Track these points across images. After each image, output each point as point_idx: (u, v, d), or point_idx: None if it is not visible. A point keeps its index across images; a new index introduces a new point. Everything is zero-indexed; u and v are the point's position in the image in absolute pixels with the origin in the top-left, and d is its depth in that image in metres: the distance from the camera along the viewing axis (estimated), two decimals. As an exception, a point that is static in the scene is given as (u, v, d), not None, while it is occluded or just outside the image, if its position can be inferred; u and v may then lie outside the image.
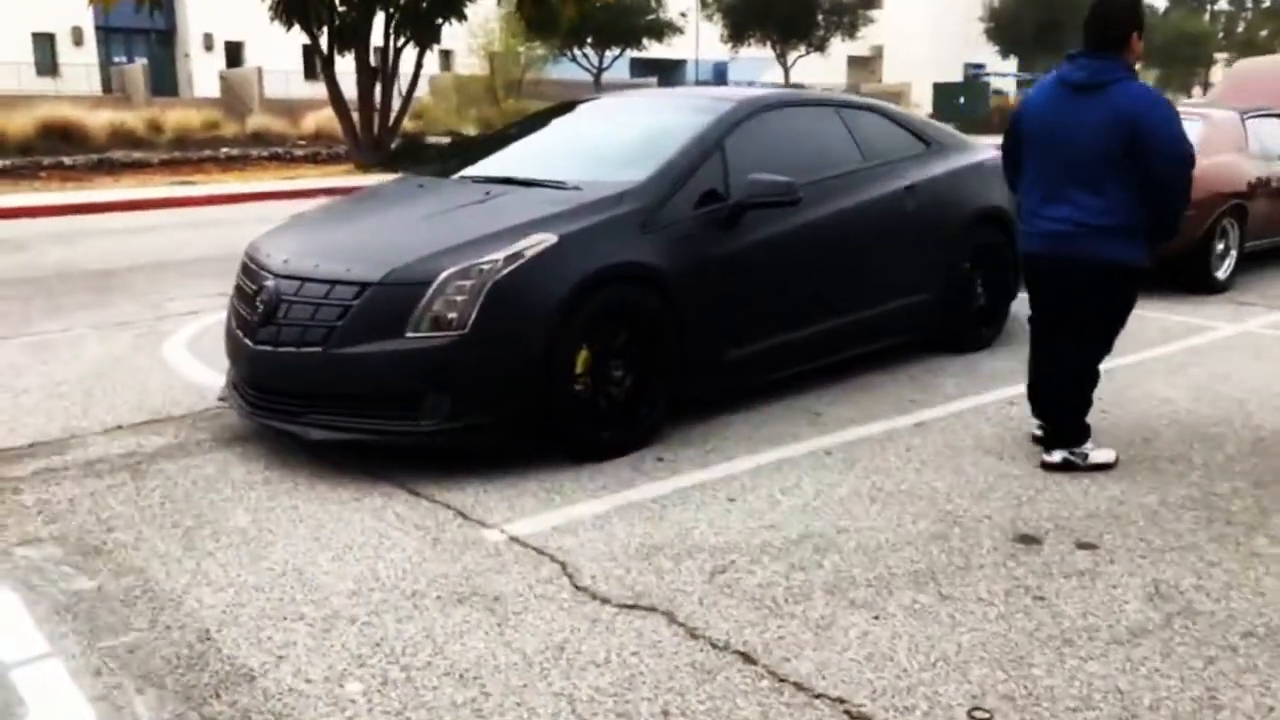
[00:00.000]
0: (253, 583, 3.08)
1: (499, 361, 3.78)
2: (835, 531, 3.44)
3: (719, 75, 48.61)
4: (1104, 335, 4.02)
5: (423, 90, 23.06)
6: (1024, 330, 6.34)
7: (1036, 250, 3.99)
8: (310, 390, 3.87)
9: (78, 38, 36.03)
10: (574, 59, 34.89)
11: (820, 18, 38.93)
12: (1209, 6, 68.81)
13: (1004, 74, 51.58)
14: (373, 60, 19.60)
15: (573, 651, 2.70)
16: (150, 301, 7.29)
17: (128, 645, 2.73)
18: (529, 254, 3.85)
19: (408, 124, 22.01)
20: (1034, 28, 45.03)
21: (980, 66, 53.56)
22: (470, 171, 4.96)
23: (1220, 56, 61.05)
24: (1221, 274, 7.58)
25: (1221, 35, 63.50)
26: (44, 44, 35.63)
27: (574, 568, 3.17)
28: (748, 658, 2.67)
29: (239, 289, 4.32)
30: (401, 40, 19.52)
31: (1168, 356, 5.69)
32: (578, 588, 3.05)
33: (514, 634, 2.79)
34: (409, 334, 3.74)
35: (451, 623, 2.85)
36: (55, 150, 19.19)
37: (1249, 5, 68.77)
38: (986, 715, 2.42)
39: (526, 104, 29.87)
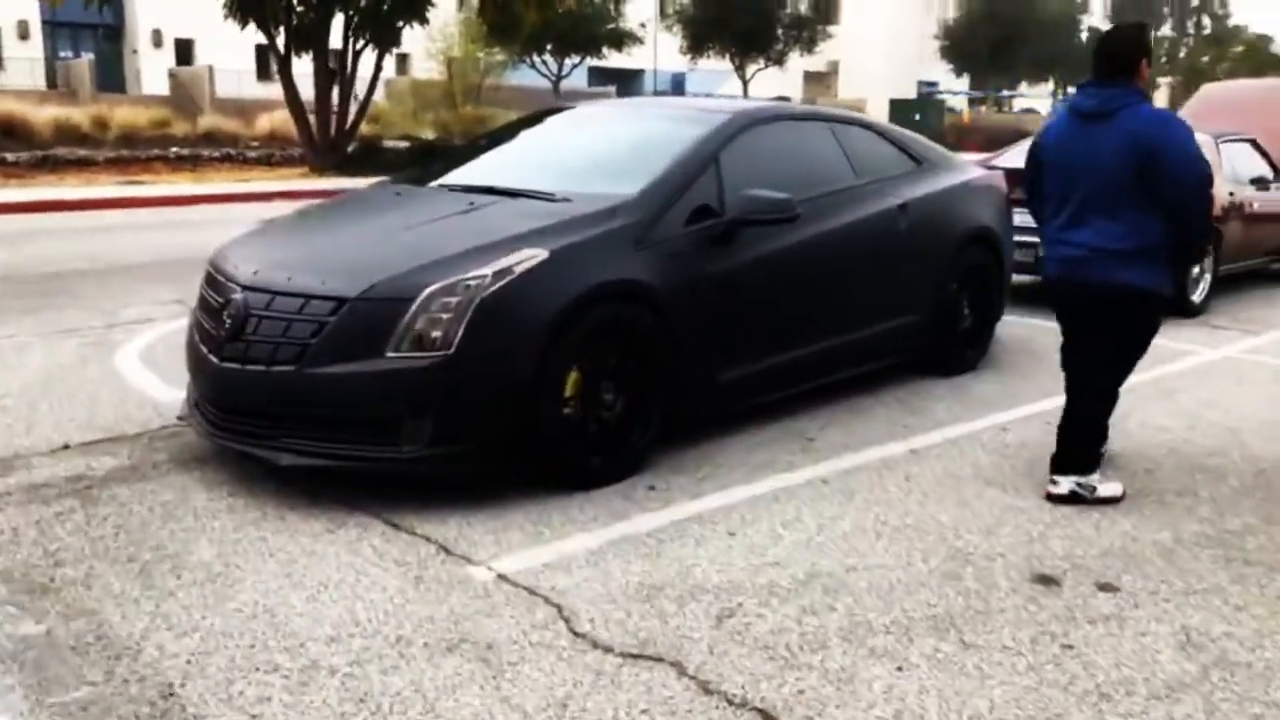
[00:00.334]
0: (220, 627, 2.81)
1: (485, 384, 3.55)
2: (844, 570, 3.25)
3: (676, 86, 48.63)
4: (1124, 361, 3.93)
5: (378, 94, 22.63)
6: (1008, 352, 6.29)
7: (1056, 275, 3.93)
8: (281, 412, 3.60)
9: (23, 31, 34.95)
10: (533, 66, 34.60)
11: (779, 32, 39.07)
12: (1153, 33, 70.39)
13: (956, 92, 52.25)
14: (330, 62, 19.18)
15: (577, 709, 2.48)
16: (100, 308, 6.92)
17: (80, 702, 2.45)
18: (519, 270, 3.62)
19: (365, 128, 21.60)
20: (987, 47, 45.64)
21: (934, 84, 54.20)
22: (451, 179, 4.72)
23: (1163, 81, 62.43)
24: (1197, 297, 7.56)
25: (1165, 60, 64.91)
26: (-13, 37, 34.55)
27: (570, 611, 2.94)
28: (768, 715, 2.46)
29: (203, 300, 4.03)
30: (360, 42, 19.13)
31: (1154, 382, 5.60)
32: (576, 634, 2.82)
33: (511, 688, 2.56)
34: (390, 353, 3.49)
35: (442, 675, 2.61)
36: (-4, 145, 18.51)
37: (1190, 32, 70.51)
38: (1031, 783, 2.24)
39: (485, 110, 29.56)
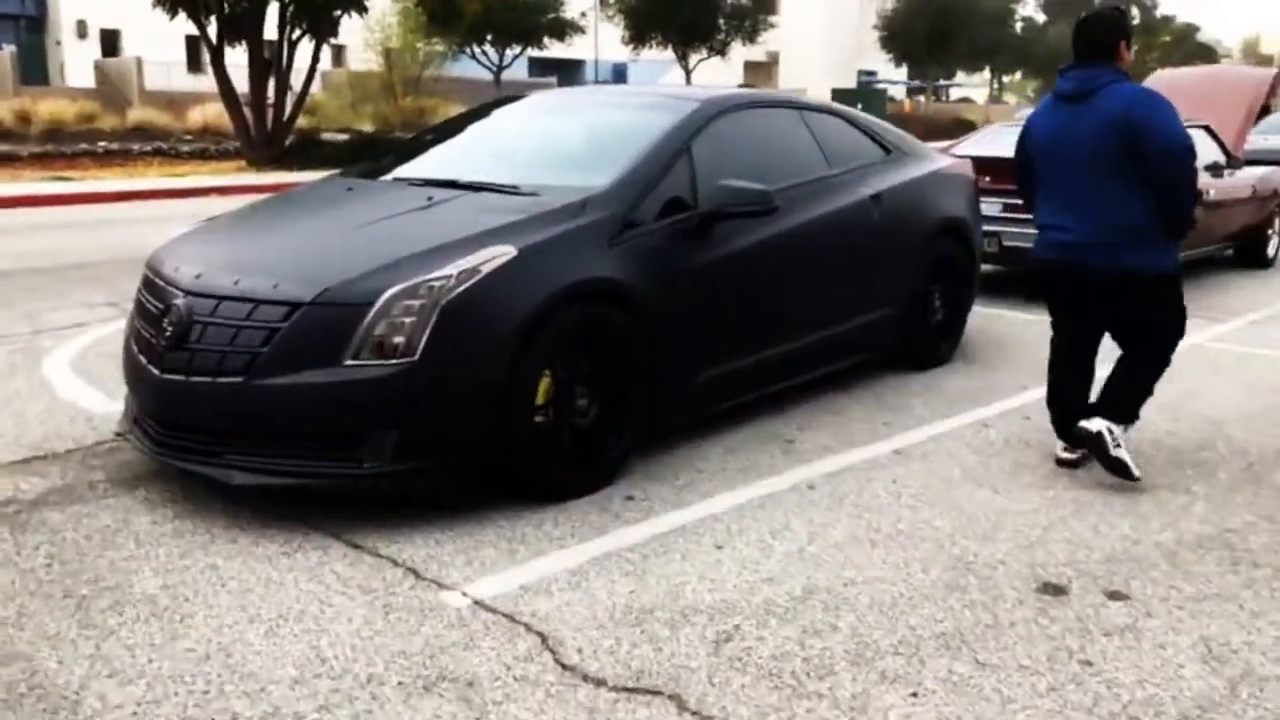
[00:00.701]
0: (169, 670, 2.54)
1: (452, 392, 3.30)
2: (842, 584, 3.06)
3: (618, 76, 48.33)
4: (1163, 334, 3.91)
5: (315, 86, 22.03)
6: (978, 343, 6.18)
7: (1052, 259, 3.91)
8: (230, 427, 3.31)
9: (-63, 22, 33.54)
10: (474, 57, 34.03)
11: (721, 21, 38.92)
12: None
13: (895, 82, 52.64)
14: (265, 53, 18.59)
15: (573, 754, 2.25)
16: (26, 312, 6.50)
17: (11, 767, 2.17)
18: (485, 269, 3.37)
19: (301, 120, 21.01)
20: (925, 37, 45.98)
21: (872, 74, 54.55)
22: (407, 172, 4.44)
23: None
24: (1158, 285, 7.53)
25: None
26: (-100, 28, 33.08)
27: (556, 640, 2.71)
28: (781, 754, 2.27)
29: (140, 306, 3.72)
30: (296, 33, 18.57)
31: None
32: (564, 666, 2.60)
33: (499, 732, 2.33)
34: (348, 362, 3.22)
35: (421, 719, 2.36)
36: (-89, 141, 17.65)
37: (1121, 22, 71.78)
38: (1072, 821, 2.07)
39: (426, 102, 29.02)
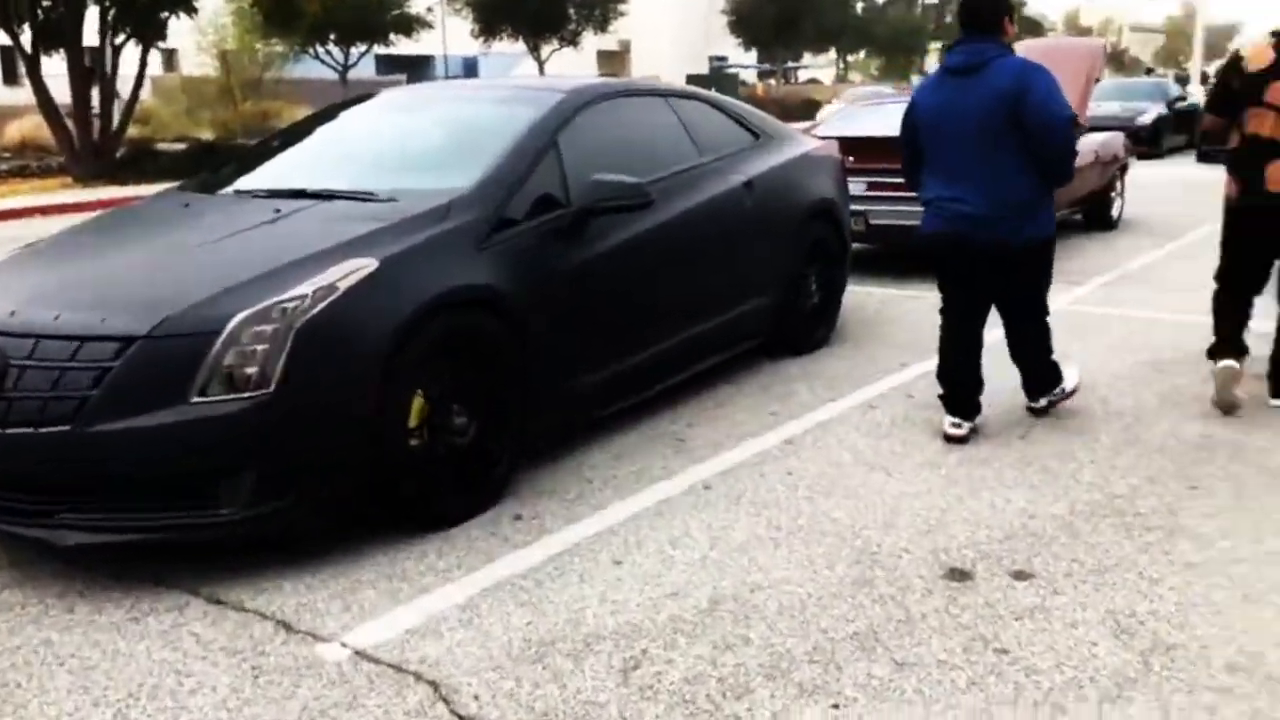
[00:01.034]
0: (1, 775, 2.20)
1: (315, 423, 3.01)
2: (749, 591, 2.93)
3: (469, 71, 47.53)
4: (1043, 301, 4.17)
5: (145, 93, 20.78)
6: (852, 323, 6.18)
7: (947, 231, 3.95)
8: (59, 481, 2.94)
9: None
10: (317, 57, 32.79)
11: (571, 11, 38.65)
12: (920, 1, 74.22)
13: (746, 66, 53.41)
14: (87, 60, 17.39)
15: (480, 819, 2.04)
16: None
17: None
18: (343, 285, 3.09)
19: (133, 130, 19.79)
20: (773, 21, 46.76)
21: (723, 59, 55.20)
22: (249, 183, 4.08)
23: (933, 46, 66.02)
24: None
25: (933, 27, 68.59)
26: None
27: (450, 687, 2.49)
28: (705, 791, 2.10)
29: (-56, 351, 3.28)
30: (120, 37, 17.43)
31: (998, 343, 5.58)
32: (461, 717, 2.37)
33: (394, 803, 2.09)
34: (195, 399, 2.90)
35: (304, 799, 2.11)
36: None
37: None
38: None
39: (269, 105, 27.80)
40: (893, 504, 3.51)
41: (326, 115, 4.83)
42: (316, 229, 3.39)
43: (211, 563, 3.07)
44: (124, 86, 18.23)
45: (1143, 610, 2.77)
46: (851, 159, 6.47)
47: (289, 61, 31.04)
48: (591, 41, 42.30)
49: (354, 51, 33.07)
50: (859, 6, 56.15)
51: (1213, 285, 4.58)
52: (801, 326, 5.40)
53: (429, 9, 36.55)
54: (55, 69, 17.17)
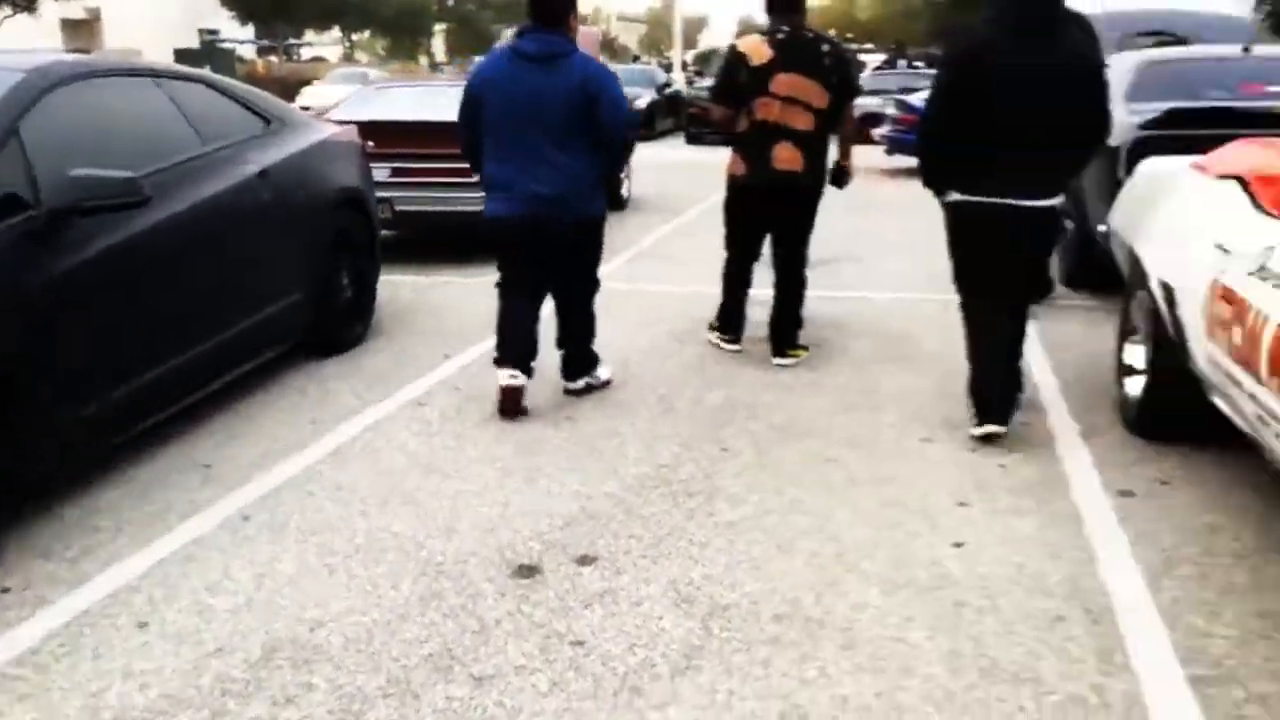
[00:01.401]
0: None
1: None
2: (308, 630, 2.64)
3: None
4: (595, 275, 4.46)
5: None
6: (391, 317, 5.94)
7: (521, 214, 4.08)
8: None
9: None
10: None
11: (24, -28, 33.41)
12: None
13: (244, 41, 49.96)
14: None
15: None
16: None
17: None
18: None
19: None
20: (269, -5, 44.21)
21: (215, 32, 51.13)
22: None
23: (439, 28, 66.70)
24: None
25: (436, 9, 69.23)
26: None
27: (-75, 834, 1.94)
28: None
29: None
30: None
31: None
32: None
33: None
34: None
35: None
36: None
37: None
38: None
39: None
40: (453, 507, 3.38)
41: None
42: None
43: None
44: None
45: (698, 576, 2.92)
46: (372, 144, 6.21)
47: None
48: (52, 9, 37.05)
49: None
50: (362, -14, 54.88)
51: (718, 258, 5.03)
52: (336, 324, 5.08)
53: None
54: None
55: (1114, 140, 4.47)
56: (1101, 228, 4.63)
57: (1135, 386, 3.91)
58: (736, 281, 5.01)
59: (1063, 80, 3.61)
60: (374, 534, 3.18)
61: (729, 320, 5.12)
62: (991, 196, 3.71)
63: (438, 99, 7.32)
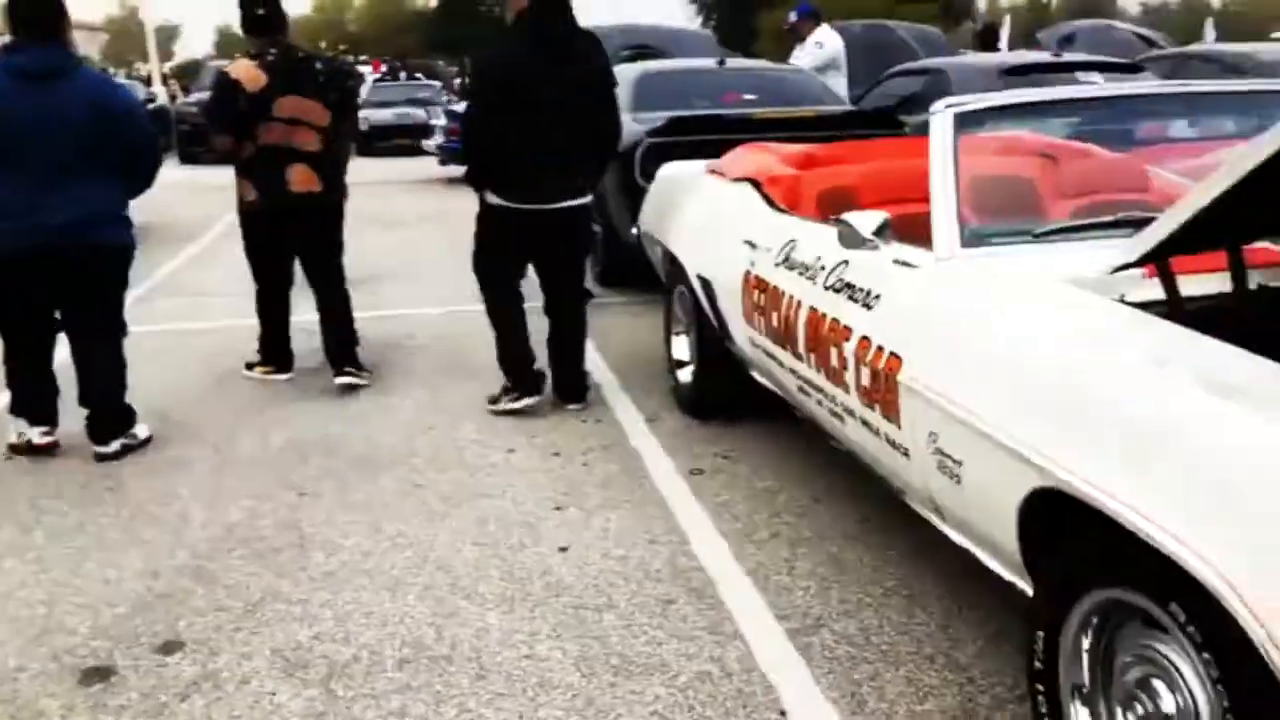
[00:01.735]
0: None
1: None
2: None
3: None
4: (119, 314, 4.01)
5: None
6: None
7: (29, 244, 3.63)
8: None
9: None
10: None
11: None
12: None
13: None
14: None
15: None
16: None
17: None
18: None
19: None
20: None
21: None
22: None
23: None
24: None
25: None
26: None
27: None
28: None
29: None
30: None
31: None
32: None
33: None
34: None
35: None
36: None
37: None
38: None
39: None
40: (-22, 617, 2.78)
41: None
42: None
43: None
44: None
45: (305, 638, 2.68)
46: None
47: None
48: None
49: None
50: None
51: (246, 288, 4.78)
52: None
53: None
54: None
55: (625, 146, 4.85)
56: (634, 230, 4.98)
57: (686, 375, 4.28)
58: (272, 313, 4.84)
59: (580, 93, 4.05)
60: None
61: (274, 350, 4.84)
62: (524, 203, 4.10)
63: None
